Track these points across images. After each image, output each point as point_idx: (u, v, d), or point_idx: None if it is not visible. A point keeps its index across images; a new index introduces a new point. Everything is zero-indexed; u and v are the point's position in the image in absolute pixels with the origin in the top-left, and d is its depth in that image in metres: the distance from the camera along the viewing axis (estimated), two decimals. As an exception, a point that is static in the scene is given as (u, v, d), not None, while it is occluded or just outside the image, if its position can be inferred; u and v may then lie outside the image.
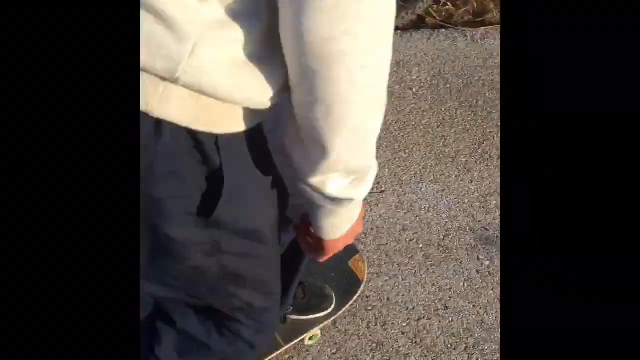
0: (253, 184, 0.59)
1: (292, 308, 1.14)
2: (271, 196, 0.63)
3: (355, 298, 1.23)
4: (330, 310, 1.19)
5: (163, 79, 0.47)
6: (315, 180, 0.54)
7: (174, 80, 0.47)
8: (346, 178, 0.55)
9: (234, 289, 0.68)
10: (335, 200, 0.57)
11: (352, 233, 0.67)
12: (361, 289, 1.24)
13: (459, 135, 1.69)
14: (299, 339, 1.16)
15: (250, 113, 0.53)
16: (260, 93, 0.50)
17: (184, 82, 0.47)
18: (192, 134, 0.50)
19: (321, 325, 1.19)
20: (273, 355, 1.14)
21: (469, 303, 1.33)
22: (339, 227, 0.64)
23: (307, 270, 1.08)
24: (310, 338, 1.19)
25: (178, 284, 0.67)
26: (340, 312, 1.21)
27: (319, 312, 1.17)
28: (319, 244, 0.68)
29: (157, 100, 0.48)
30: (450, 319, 1.30)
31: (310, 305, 1.18)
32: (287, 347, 1.15)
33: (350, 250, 1.26)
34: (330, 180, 0.54)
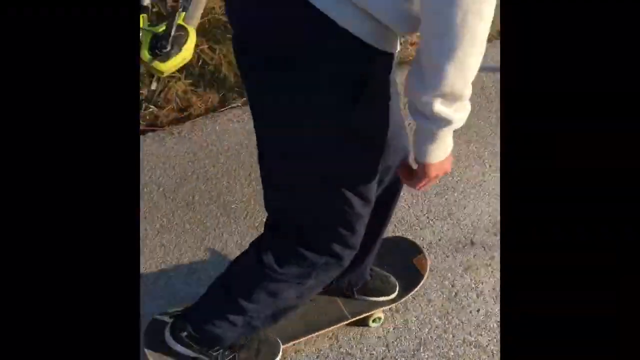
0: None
1: (360, 285, 1.31)
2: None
3: (417, 289, 1.40)
4: (393, 296, 1.34)
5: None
6: (427, 99, 0.70)
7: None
8: (449, 102, 0.71)
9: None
10: (439, 120, 0.73)
11: (446, 164, 0.83)
12: (422, 282, 1.40)
13: (181, 239, 1.57)
14: (364, 315, 1.33)
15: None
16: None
17: None
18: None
19: (383, 309, 1.36)
20: (339, 325, 1.31)
21: None
22: (437, 152, 0.79)
23: (377, 260, 1.30)
24: (374, 320, 1.37)
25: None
26: (402, 300, 1.38)
27: (383, 295, 1.33)
28: (421, 169, 0.83)
29: None
30: None
31: (376, 288, 1.33)
32: (352, 320, 1.32)
33: (415, 249, 1.46)
34: (437, 101, 0.70)
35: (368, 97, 0.78)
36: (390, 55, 0.78)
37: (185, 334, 1.12)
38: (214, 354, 1.15)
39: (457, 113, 0.73)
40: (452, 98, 0.70)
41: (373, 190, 0.93)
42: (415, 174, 0.86)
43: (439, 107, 0.70)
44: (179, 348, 1.14)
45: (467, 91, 0.71)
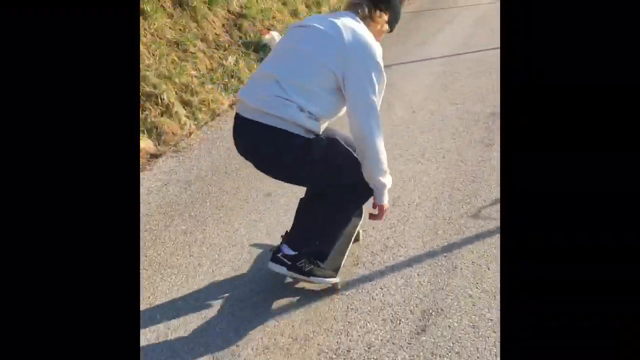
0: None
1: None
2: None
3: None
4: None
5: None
6: (376, 179, 1.72)
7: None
8: (385, 177, 1.74)
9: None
10: (384, 186, 1.76)
11: (387, 206, 1.82)
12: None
13: None
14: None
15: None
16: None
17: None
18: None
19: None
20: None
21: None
22: (384, 199, 1.79)
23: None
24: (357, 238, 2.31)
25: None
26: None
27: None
28: (380, 209, 1.81)
29: None
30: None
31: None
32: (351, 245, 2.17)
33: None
34: (380, 179, 1.73)
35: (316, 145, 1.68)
36: (316, 130, 1.68)
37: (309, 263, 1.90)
38: (321, 265, 1.94)
39: (389, 181, 1.78)
40: (385, 175, 1.75)
41: (345, 161, 1.79)
42: (378, 213, 1.84)
43: (382, 180, 1.75)
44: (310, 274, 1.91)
45: (387, 171, 1.75)
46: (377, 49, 1.61)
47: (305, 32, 1.66)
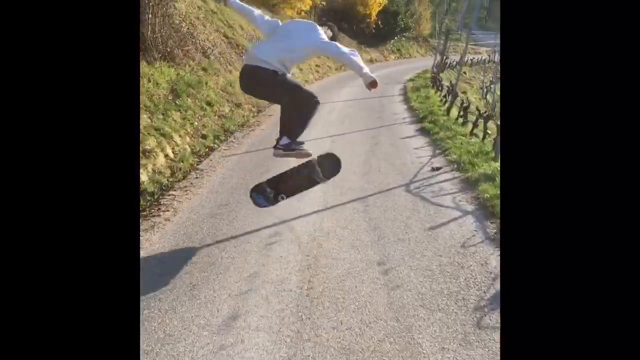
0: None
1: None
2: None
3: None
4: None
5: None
6: (361, 70, 3.14)
7: None
8: (364, 66, 3.18)
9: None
10: (367, 71, 3.15)
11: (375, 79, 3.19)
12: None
13: None
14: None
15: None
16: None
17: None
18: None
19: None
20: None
21: None
22: (373, 76, 3.14)
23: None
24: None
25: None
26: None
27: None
28: (373, 82, 3.13)
29: None
30: None
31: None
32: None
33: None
34: (363, 69, 3.14)
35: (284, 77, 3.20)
36: (286, 72, 3.23)
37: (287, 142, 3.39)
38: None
39: (367, 69, 3.17)
40: (364, 66, 3.16)
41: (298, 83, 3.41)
42: (374, 83, 3.11)
43: (365, 69, 3.13)
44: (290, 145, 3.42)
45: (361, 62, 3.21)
46: (319, 27, 3.37)
47: (289, 27, 3.38)
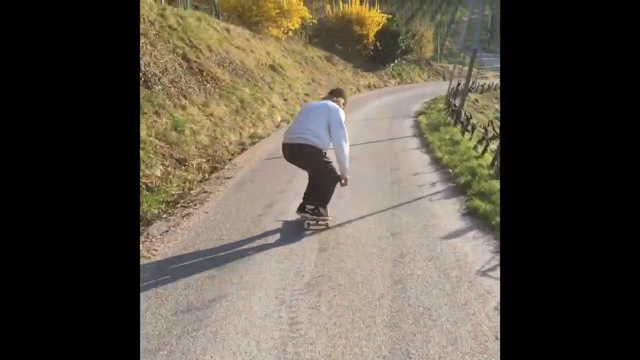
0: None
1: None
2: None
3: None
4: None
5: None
6: (346, 165, 4.10)
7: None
8: (348, 164, 4.16)
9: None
10: (347, 169, 4.15)
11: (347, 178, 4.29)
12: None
13: None
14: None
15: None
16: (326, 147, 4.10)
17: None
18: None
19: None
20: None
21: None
22: (347, 174, 4.22)
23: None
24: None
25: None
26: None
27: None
28: (346, 180, 4.19)
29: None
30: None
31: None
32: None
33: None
34: (346, 164, 4.10)
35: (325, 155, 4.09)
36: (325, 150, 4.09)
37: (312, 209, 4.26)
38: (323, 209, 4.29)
39: (349, 166, 4.19)
40: (348, 163, 4.12)
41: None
42: (345, 182, 4.19)
43: (346, 166, 4.10)
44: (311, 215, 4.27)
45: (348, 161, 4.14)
46: (341, 110, 4.05)
47: (310, 106, 4.12)
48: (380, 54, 24.82)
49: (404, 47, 25.96)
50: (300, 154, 3.93)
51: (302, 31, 22.82)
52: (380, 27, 24.22)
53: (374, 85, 22.51)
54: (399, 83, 25.51)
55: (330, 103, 4.05)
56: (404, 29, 26.98)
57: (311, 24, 23.40)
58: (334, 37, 23.59)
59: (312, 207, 4.18)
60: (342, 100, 4.29)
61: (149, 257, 3.51)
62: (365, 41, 24.07)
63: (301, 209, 4.18)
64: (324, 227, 4.22)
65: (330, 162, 4.04)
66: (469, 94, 18.85)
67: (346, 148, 3.94)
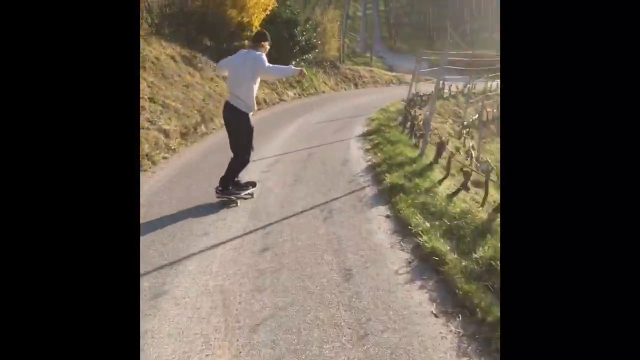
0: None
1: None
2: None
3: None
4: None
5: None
6: (290, 72, 5.19)
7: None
8: (290, 71, 5.23)
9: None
10: (293, 71, 5.11)
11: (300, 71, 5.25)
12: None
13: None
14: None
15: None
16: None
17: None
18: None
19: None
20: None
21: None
22: (297, 71, 5.13)
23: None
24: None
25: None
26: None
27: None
28: (302, 74, 5.12)
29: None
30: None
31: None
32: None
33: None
34: (290, 72, 5.17)
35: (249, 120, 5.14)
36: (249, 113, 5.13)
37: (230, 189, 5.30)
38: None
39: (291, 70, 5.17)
40: (289, 72, 5.20)
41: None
42: (302, 75, 5.14)
43: (290, 72, 5.18)
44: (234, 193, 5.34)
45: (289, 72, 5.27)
46: (263, 56, 4.93)
47: (236, 59, 5.12)
48: (271, 52, 16.89)
49: (303, 43, 18.25)
50: (232, 116, 5.17)
51: (146, 16, 14.37)
52: (268, 12, 16.29)
53: (266, 100, 14.58)
54: (298, 96, 17.69)
55: (253, 52, 5.02)
56: (302, 17, 19.28)
57: (164, 8, 15.00)
58: (201, 28, 15.30)
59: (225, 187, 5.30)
60: (267, 44, 5.13)
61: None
62: (248, 33, 15.93)
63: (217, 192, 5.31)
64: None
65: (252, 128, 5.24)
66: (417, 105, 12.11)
67: (277, 71, 5.21)
